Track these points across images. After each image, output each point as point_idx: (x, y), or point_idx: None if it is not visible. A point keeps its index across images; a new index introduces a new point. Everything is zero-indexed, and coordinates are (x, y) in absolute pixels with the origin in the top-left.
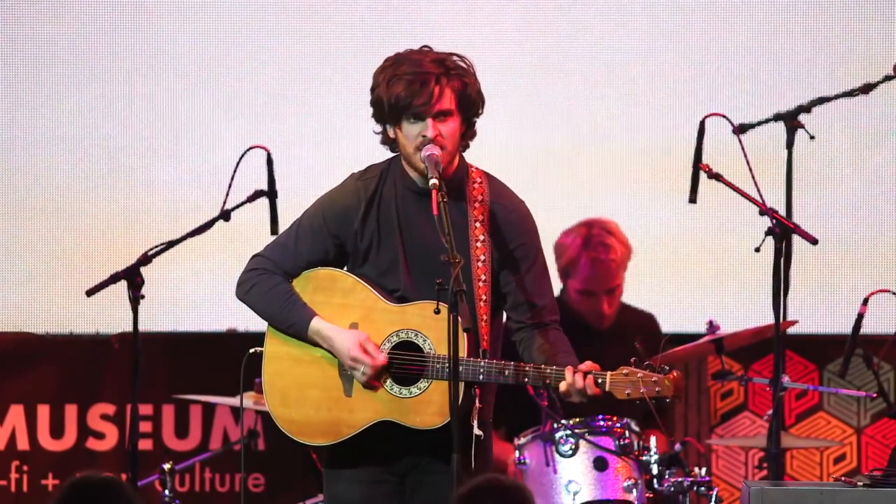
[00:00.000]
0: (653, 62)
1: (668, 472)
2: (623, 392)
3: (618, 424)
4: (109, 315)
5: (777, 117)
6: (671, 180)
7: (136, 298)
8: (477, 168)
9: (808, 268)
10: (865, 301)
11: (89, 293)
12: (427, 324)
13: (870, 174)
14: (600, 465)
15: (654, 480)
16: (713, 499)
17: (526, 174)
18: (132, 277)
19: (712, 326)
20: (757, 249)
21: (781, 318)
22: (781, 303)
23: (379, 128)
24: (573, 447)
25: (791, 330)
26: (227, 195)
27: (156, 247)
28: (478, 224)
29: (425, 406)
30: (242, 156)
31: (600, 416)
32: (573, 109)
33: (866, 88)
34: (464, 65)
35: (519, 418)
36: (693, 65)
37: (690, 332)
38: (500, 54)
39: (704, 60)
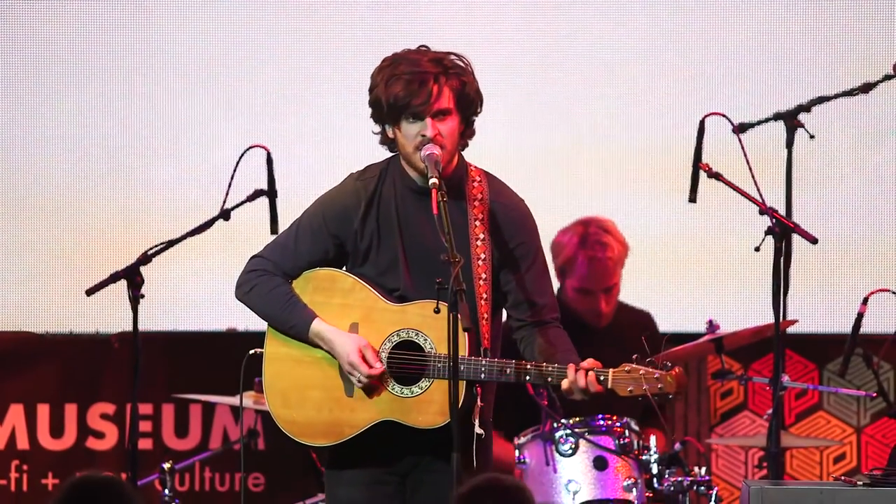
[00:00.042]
0: (652, 61)
1: (667, 471)
2: (625, 389)
3: (618, 424)
4: (109, 314)
5: (777, 116)
6: (671, 180)
7: (135, 298)
8: (476, 167)
9: (808, 267)
10: (865, 300)
11: (89, 292)
12: (428, 323)
13: (870, 173)
14: (600, 464)
15: (654, 480)
16: (713, 498)
17: (525, 173)
18: (132, 277)
19: (712, 326)
20: (757, 249)
21: (781, 318)
22: (781, 302)
23: (378, 128)
24: (573, 446)
25: (791, 329)
26: (227, 194)
27: (155, 246)
28: (478, 222)
29: (427, 405)
30: (242, 155)
31: (600, 416)
32: (572, 109)
33: (866, 88)
34: (462, 64)
35: (519, 418)
36: (693, 64)
37: (690, 332)
38: (499, 54)
39: (704, 60)
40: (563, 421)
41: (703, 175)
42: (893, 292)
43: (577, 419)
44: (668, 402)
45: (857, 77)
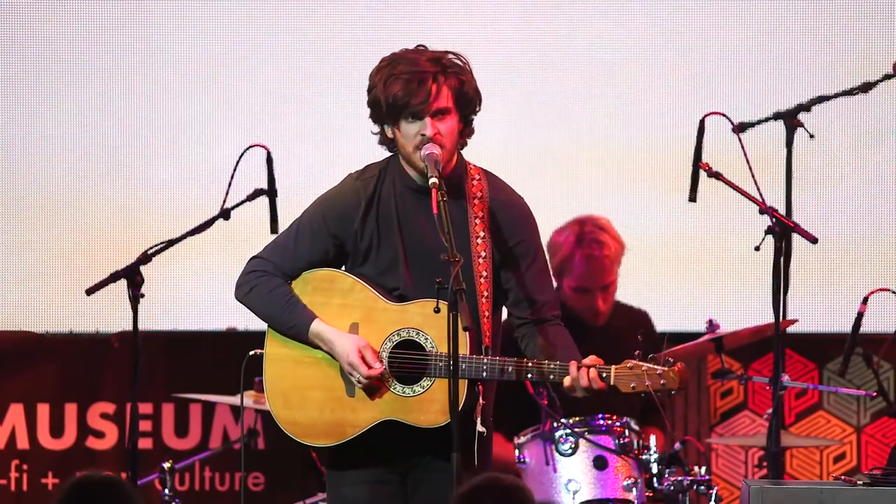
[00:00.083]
0: (652, 61)
1: (667, 470)
2: (628, 385)
3: (617, 423)
4: (109, 314)
5: (777, 116)
6: (671, 179)
7: (135, 297)
8: (475, 165)
9: (808, 267)
10: (865, 300)
11: (89, 292)
12: (428, 322)
13: (870, 173)
14: (600, 463)
15: (654, 479)
16: (713, 498)
17: (525, 173)
18: (132, 276)
19: (712, 325)
20: (757, 248)
21: (781, 317)
22: (781, 301)
23: (376, 128)
24: (573, 446)
25: (791, 329)
26: (227, 194)
27: (155, 245)
28: (478, 221)
29: (428, 404)
30: (242, 154)
31: (600, 415)
32: (572, 108)
33: (866, 87)
34: (460, 63)
35: (519, 417)
36: (692, 63)
37: (690, 331)
38: (498, 53)
39: (704, 59)
40: (562, 420)
41: (703, 174)
42: (893, 292)
43: (577, 419)
44: (670, 397)
45: (856, 76)
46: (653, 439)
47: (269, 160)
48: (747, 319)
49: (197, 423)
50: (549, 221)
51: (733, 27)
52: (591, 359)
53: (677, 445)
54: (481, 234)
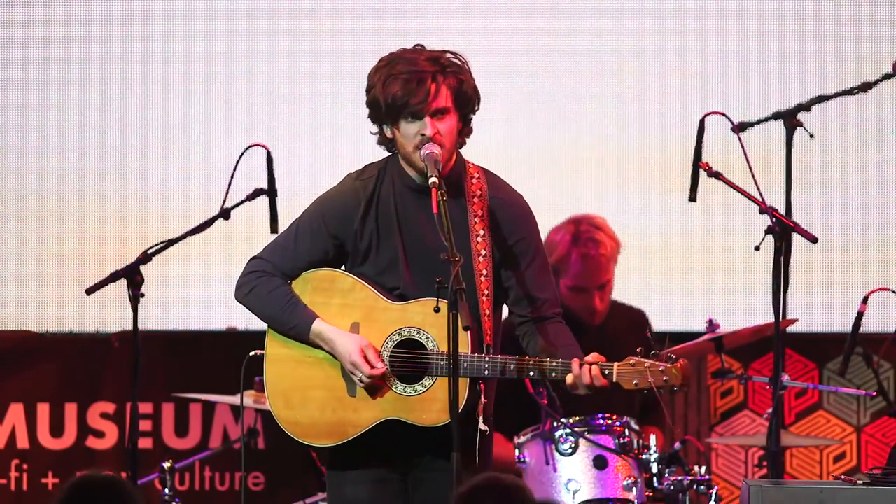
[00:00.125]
0: (652, 60)
1: (667, 470)
2: (630, 382)
3: (617, 423)
4: (109, 313)
5: (776, 116)
6: (671, 179)
7: (135, 297)
8: (474, 164)
9: (808, 266)
10: (865, 299)
11: (89, 291)
12: (429, 321)
13: (869, 173)
14: (600, 463)
15: (654, 479)
16: (713, 497)
17: (524, 172)
18: (132, 276)
19: (712, 325)
20: (757, 248)
21: (781, 317)
22: (781, 301)
23: (375, 128)
24: (573, 446)
25: (791, 328)
26: (227, 193)
27: (155, 245)
28: (477, 219)
29: (430, 403)
30: (242, 154)
31: (600, 415)
32: (572, 107)
33: (865, 87)
34: (458, 62)
35: (518, 417)
36: (692, 63)
37: (690, 331)
38: (498, 52)
39: (703, 59)
40: (562, 420)
41: (703, 174)
42: (893, 291)
43: (577, 418)
44: (673, 394)
45: (856, 76)
46: (653, 439)
47: (269, 160)
48: (747, 319)
49: (197, 423)
50: (548, 221)
51: (733, 27)
52: (593, 356)
53: (677, 445)
54: (481, 232)
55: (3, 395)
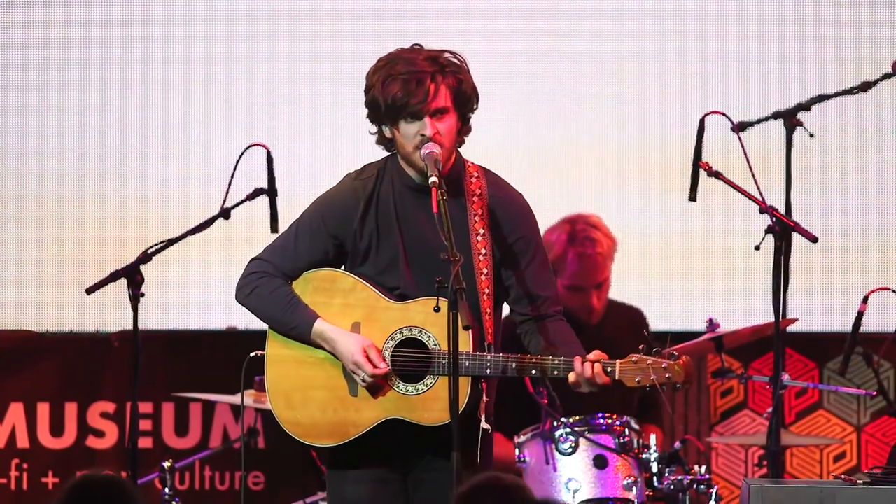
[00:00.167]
0: (651, 60)
1: (667, 470)
2: (633, 380)
3: (617, 422)
4: (109, 313)
5: (776, 115)
6: (671, 178)
7: (135, 296)
8: (473, 163)
9: (808, 266)
10: (865, 299)
11: (89, 291)
12: (430, 320)
13: (869, 172)
14: (600, 463)
15: (654, 478)
16: (713, 497)
17: (524, 172)
18: (132, 275)
19: (712, 324)
20: (757, 247)
21: (781, 316)
22: (781, 301)
23: (374, 128)
24: (573, 445)
25: (791, 328)
26: (227, 193)
27: (155, 245)
28: (477, 218)
29: (432, 402)
30: (242, 154)
31: (600, 414)
32: (571, 107)
33: (865, 86)
34: (457, 61)
35: (518, 417)
36: (692, 63)
37: (690, 330)
38: (497, 52)
39: (703, 58)
40: (562, 420)
41: (703, 174)
42: (893, 291)
43: (577, 418)
44: (676, 391)
45: (856, 76)
46: (653, 438)
47: (270, 159)
48: (747, 318)
49: (197, 423)
50: (548, 221)
51: (733, 26)
52: (595, 354)
53: (677, 444)
54: (481, 231)
55: (3, 395)
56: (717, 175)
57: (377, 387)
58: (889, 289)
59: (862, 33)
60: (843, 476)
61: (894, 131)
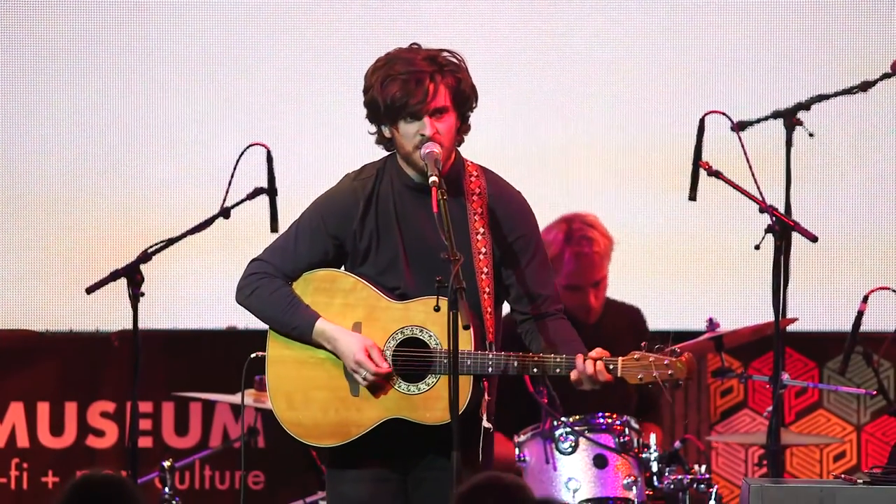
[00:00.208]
0: (651, 59)
1: (667, 469)
2: (635, 377)
3: (617, 422)
4: (109, 312)
5: (776, 115)
6: (670, 178)
7: (135, 296)
8: (472, 162)
9: (808, 265)
10: (865, 298)
11: (89, 290)
12: (431, 319)
13: (869, 172)
14: (600, 462)
15: (654, 478)
16: (713, 496)
17: (523, 171)
18: (132, 275)
19: (712, 324)
20: (757, 247)
21: (781, 316)
22: (781, 300)
23: (373, 128)
24: (573, 445)
25: (791, 327)
26: (227, 192)
27: (155, 244)
28: (477, 217)
29: (434, 402)
30: (242, 153)
31: (600, 414)
32: (571, 106)
33: (865, 86)
34: (455, 60)
35: (518, 416)
36: (691, 62)
37: (690, 330)
38: (496, 51)
39: (703, 58)
40: (562, 419)
41: (702, 173)
42: (893, 290)
43: (577, 417)
44: (678, 388)
45: (856, 75)
46: (653, 438)
47: (269, 159)
48: (747, 318)
49: (197, 422)
50: (548, 220)
51: (732, 26)
52: (597, 351)
53: (677, 444)
54: (481, 230)
55: (3, 394)
56: (716, 174)
57: (378, 386)
58: (889, 288)
59: (861, 33)
60: (843, 475)
61: (894, 131)
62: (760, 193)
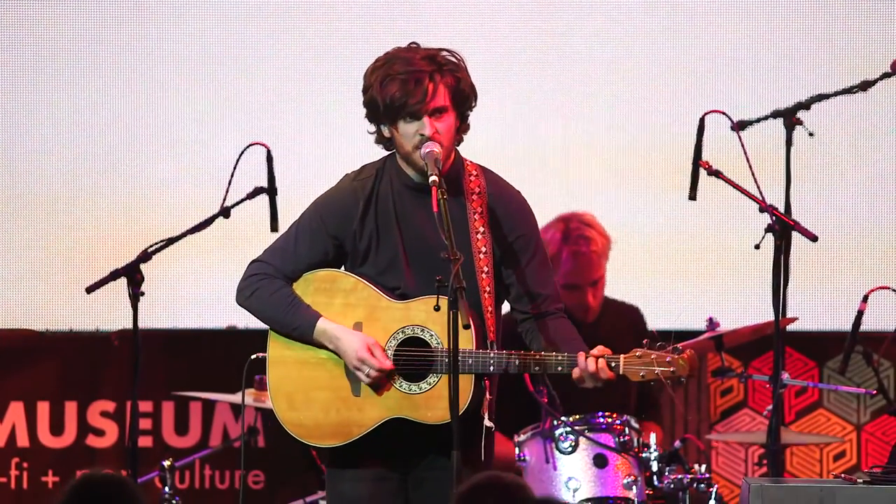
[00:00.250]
0: (651, 59)
1: (667, 468)
2: (637, 374)
3: (617, 421)
4: (109, 312)
5: (776, 114)
6: (670, 177)
7: (135, 295)
8: (471, 161)
9: (808, 264)
10: (865, 298)
11: (89, 290)
12: (432, 318)
13: (869, 171)
14: (600, 462)
15: (654, 477)
16: (713, 496)
17: (523, 171)
18: (132, 274)
19: (712, 323)
20: (757, 246)
21: (781, 315)
22: (781, 299)
23: (372, 127)
24: (573, 444)
25: (791, 327)
26: (227, 192)
27: (155, 244)
28: (477, 216)
29: (435, 401)
30: (242, 152)
31: (600, 413)
32: (571, 106)
33: (864, 86)
34: (455, 60)
35: (518, 416)
36: (691, 61)
37: (690, 329)
38: (495, 50)
39: (703, 57)
40: (562, 418)
41: (702, 172)
42: (893, 290)
43: (577, 417)
44: (680, 385)
45: (856, 75)
46: (653, 437)
47: (269, 158)
48: (747, 317)
49: (197, 422)
50: (548, 220)
51: (732, 25)
52: (598, 349)
53: (677, 443)
54: (481, 229)
55: (3, 394)
56: (716, 174)
57: (380, 386)
58: (889, 287)
59: (861, 32)
60: (843, 475)
61: (894, 130)
62: (760, 193)
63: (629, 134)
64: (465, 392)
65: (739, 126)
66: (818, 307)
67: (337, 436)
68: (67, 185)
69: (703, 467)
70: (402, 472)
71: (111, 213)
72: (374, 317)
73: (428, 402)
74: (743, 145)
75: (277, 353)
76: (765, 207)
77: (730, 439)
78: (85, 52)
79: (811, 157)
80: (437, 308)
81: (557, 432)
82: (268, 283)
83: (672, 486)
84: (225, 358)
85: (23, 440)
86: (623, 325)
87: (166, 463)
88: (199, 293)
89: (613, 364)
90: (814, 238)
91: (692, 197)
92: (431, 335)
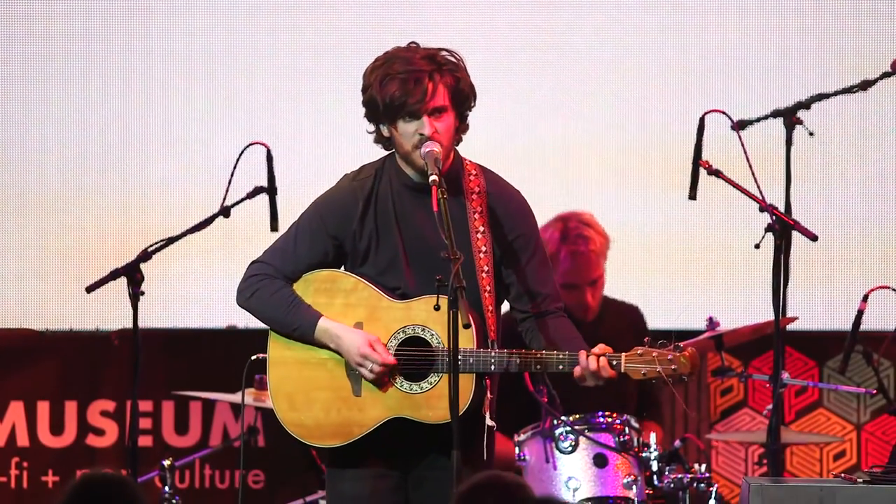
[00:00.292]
0: (651, 58)
1: (667, 468)
2: (639, 372)
3: (617, 421)
4: (109, 311)
5: (776, 114)
6: (670, 177)
7: (135, 295)
8: (471, 161)
9: (808, 264)
10: (865, 297)
11: (89, 289)
12: (433, 318)
13: (869, 170)
14: (600, 461)
15: (654, 477)
16: (713, 495)
17: (522, 171)
18: (132, 274)
19: (712, 323)
20: (757, 246)
21: (781, 315)
22: (781, 299)
23: (371, 127)
24: (573, 444)
25: (791, 326)
26: (227, 191)
27: (156, 243)
28: (476, 215)
29: (436, 400)
30: (242, 152)
31: (600, 413)
32: (571, 105)
33: (864, 85)
34: (454, 59)
35: (518, 415)
36: (691, 61)
37: (690, 329)
38: (494, 50)
39: (703, 57)
40: (563, 418)
41: (702, 172)
42: (893, 289)
43: (577, 416)
44: (682, 383)
45: (856, 74)
46: (653, 437)
47: (269, 158)
48: (747, 317)
49: (197, 421)
50: (547, 219)
51: (732, 24)
52: (600, 347)
53: (677, 443)
54: (481, 229)
55: (3, 393)
56: (716, 173)
57: (380, 385)
58: (889, 287)
59: (861, 32)
60: (843, 474)
61: (894, 130)
62: (760, 192)
63: (629, 133)
64: (466, 391)
65: (739, 125)
66: (818, 307)
67: (338, 436)
68: (67, 185)
69: (703, 467)
70: (402, 471)
71: (111, 213)
72: (375, 317)
73: (429, 401)
74: (743, 145)
75: (278, 353)
76: (765, 207)
77: (730, 439)
78: (85, 51)
79: (811, 156)
80: (437, 307)
81: (557, 432)
82: (268, 283)
83: (672, 485)
84: (225, 358)
85: (23, 440)
86: (623, 325)
87: (166, 462)
88: (199, 293)
89: (615, 362)
90: (814, 238)
91: (692, 196)
92: (432, 335)
